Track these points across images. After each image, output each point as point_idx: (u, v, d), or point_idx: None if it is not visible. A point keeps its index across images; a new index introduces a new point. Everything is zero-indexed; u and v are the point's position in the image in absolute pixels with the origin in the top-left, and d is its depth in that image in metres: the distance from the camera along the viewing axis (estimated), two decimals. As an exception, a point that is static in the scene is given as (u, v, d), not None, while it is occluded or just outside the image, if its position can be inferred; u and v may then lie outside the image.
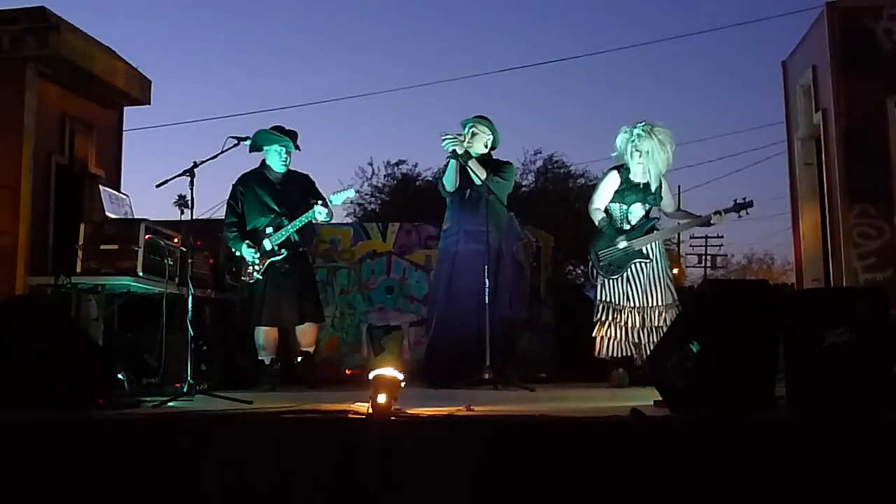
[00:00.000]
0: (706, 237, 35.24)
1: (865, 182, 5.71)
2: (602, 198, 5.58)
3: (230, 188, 5.78)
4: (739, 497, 2.68)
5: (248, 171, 5.77)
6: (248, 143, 4.90)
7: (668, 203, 5.61)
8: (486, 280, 5.25)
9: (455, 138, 5.49)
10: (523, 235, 7.77)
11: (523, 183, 19.07)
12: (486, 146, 5.67)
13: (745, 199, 5.42)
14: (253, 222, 5.65)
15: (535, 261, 7.96)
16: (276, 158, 5.65)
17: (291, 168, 5.75)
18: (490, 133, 5.68)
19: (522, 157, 19.63)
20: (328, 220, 5.63)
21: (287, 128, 5.73)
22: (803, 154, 6.83)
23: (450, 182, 5.60)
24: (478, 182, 5.45)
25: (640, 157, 5.42)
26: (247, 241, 5.57)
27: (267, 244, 5.56)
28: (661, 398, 3.37)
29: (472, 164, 5.49)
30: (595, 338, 5.51)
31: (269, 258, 5.55)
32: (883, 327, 3.06)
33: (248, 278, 5.61)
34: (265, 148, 5.64)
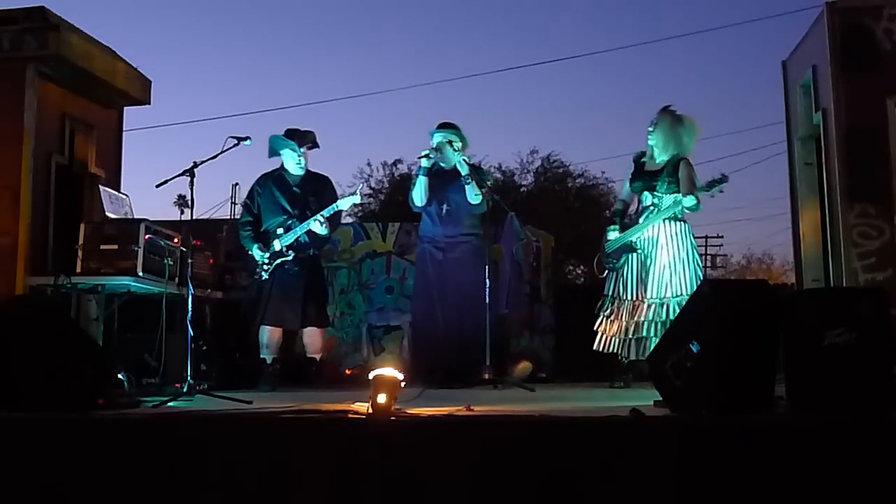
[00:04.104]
0: (706, 237, 35.20)
1: (865, 182, 5.71)
2: (623, 188, 5.64)
3: (249, 188, 5.89)
4: (740, 497, 2.68)
5: (268, 171, 5.85)
6: (248, 143, 4.90)
7: (685, 191, 5.28)
8: (487, 281, 5.32)
9: (428, 155, 5.57)
10: (523, 235, 7.77)
11: (522, 183, 19.11)
12: (456, 150, 5.72)
13: (722, 174, 5.09)
14: (267, 223, 5.72)
15: (535, 261, 7.96)
16: (291, 161, 5.73)
17: (311, 169, 5.81)
18: (460, 139, 5.73)
19: (519, 156, 19.69)
20: (326, 233, 5.64)
21: (302, 129, 5.78)
22: (803, 154, 6.82)
23: (419, 198, 5.68)
24: (475, 201, 5.55)
25: (650, 130, 5.37)
26: (258, 243, 5.64)
27: (276, 245, 5.61)
28: (661, 398, 3.37)
29: (473, 186, 5.54)
30: (595, 331, 5.45)
31: (277, 258, 5.61)
32: (883, 327, 3.06)
33: (257, 277, 5.67)
34: (281, 152, 5.74)
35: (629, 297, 5.35)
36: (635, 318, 5.27)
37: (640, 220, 5.36)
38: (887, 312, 3.09)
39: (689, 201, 5.11)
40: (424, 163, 5.59)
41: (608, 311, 5.40)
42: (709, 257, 35.57)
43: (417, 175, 5.69)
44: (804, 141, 6.79)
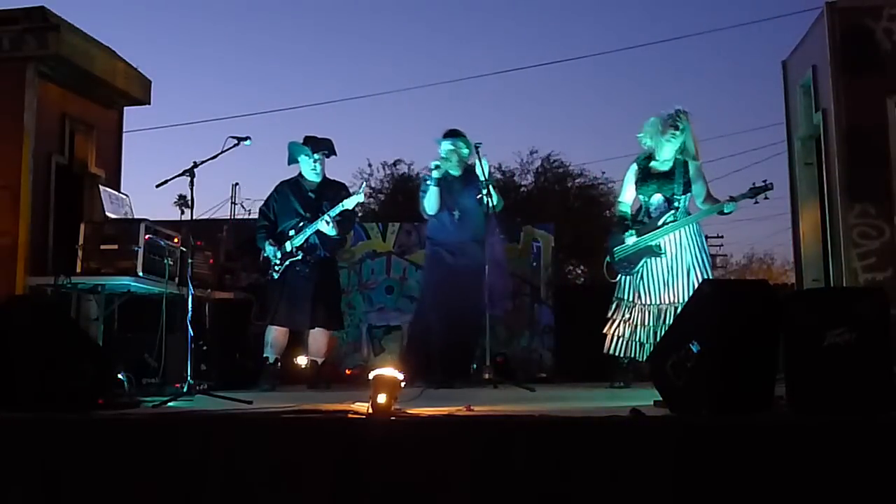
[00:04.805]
0: (706, 237, 35.16)
1: (865, 182, 5.71)
2: (624, 192, 5.52)
3: (268, 194, 6.01)
4: (739, 497, 2.68)
5: (287, 178, 5.97)
6: (248, 143, 4.92)
7: (698, 192, 5.34)
8: (486, 281, 5.37)
9: (439, 166, 5.65)
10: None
11: (522, 183, 19.11)
12: (463, 157, 5.80)
13: (765, 181, 5.10)
14: (282, 226, 5.83)
15: (536, 261, 7.96)
16: (306, 167, 5.86)
17: (329, 176, 5.94)
18: (465, 145, 5.79)
19: (519, 156, 19.69)
20: (334, 233, 5.70)
21: (317, 136, 5.87)
22: (803, 154, 6.82)
23: (432, 207, 5.76)
24: (494, 201, 5.59)
25: (674, 133, 5.25)
26: (270, 241, 5.76)
27: (287, 245, 5.73)
28: (661, 398, 3.37)
29: (493, 191, 5.59)
30: (605, 335, 5.42)
31: (288, 259, 5.71)
32: (883, 327, 3.06)
33: (269, 277, 5.80)
34: (298, 158, 5.85)
35: (654, 301, 5.29)
36: (665, 321, 5.19)
37: (660, 224, 5.30)
38: (887, 312, 3.09)
39: (730, 207, 5.16)
40: (435, 173, 5.66)
41: (626, 315, 5.35)
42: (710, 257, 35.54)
43: (428, 185, 5.74)
44: (804, 141, 6.79)
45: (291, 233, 5.74)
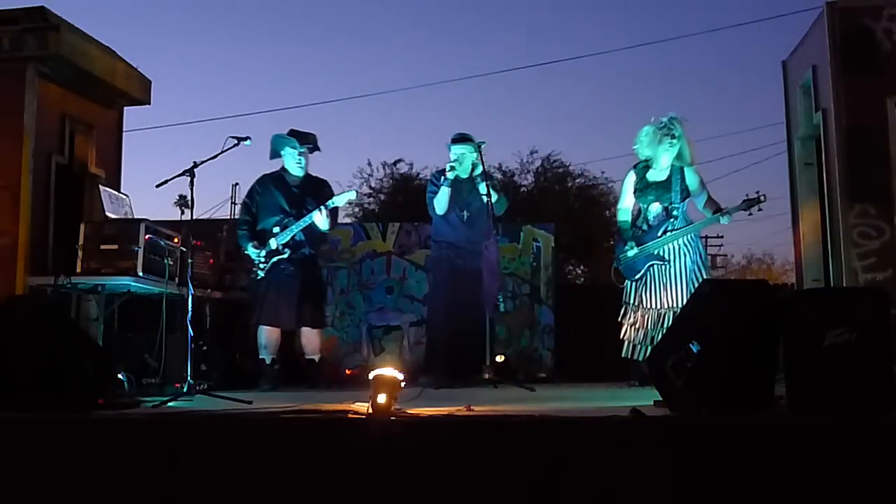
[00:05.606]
0: (706, 237, 35.15)
1: (865, 182, 5.70)
2: (624, 198, 5.64)
3: (249, 188, 5.95)
4: (739, 497, 2.68)
5: (268, 172, 5.91)
6: (248, 143, 4.91)
7: (699, 200, 5.46)
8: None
9: (454, 167, 5.69)
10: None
11: (522, 183, 19.09)
12: (474, 161, 5.83)
13: (758, 193, 5.25)
14: (264, 222, 5.77)
15: (535, 261, 7.97)
16: (291, 161, 5.79)
17: (311, 172, 5.88)
18: (475, 150, 5.80)
19: (519, 156, 19.67)
20: (326, 227, 5.67)
21: (302, 130, 5.83)
22: (803, 154, 6.82)
23: (442, 207, 5.80)
24: (494, 198, 5.65)
25: (671, 142, 5.32)
26: (253, 241, 5.69)
27: (272, 243, 5.67)
28: (661, 398, 3.37)
29: (485, 185, 5.64)
30: (621, 339, 5.51)
31: (273, 257, 5.65)
32: (883, 327, 3.06)
33: (254, 276, 5.74)
34: (281, 152, 5.78)
35: (654, 306, 5.39)
36: (664, 325, 5.25)
37: (660, 234, 5.39)
38: (887, 312, 3.09)
39: (725, 220, 5.30)
40: (450, 175, 5.71)
41: (632, 319, 5.45)
42: (709, 257, 35.48)
43: (440, 186, 5.77)
44: (804, 141, 6.79)
45: (276, 230, 5.68)
